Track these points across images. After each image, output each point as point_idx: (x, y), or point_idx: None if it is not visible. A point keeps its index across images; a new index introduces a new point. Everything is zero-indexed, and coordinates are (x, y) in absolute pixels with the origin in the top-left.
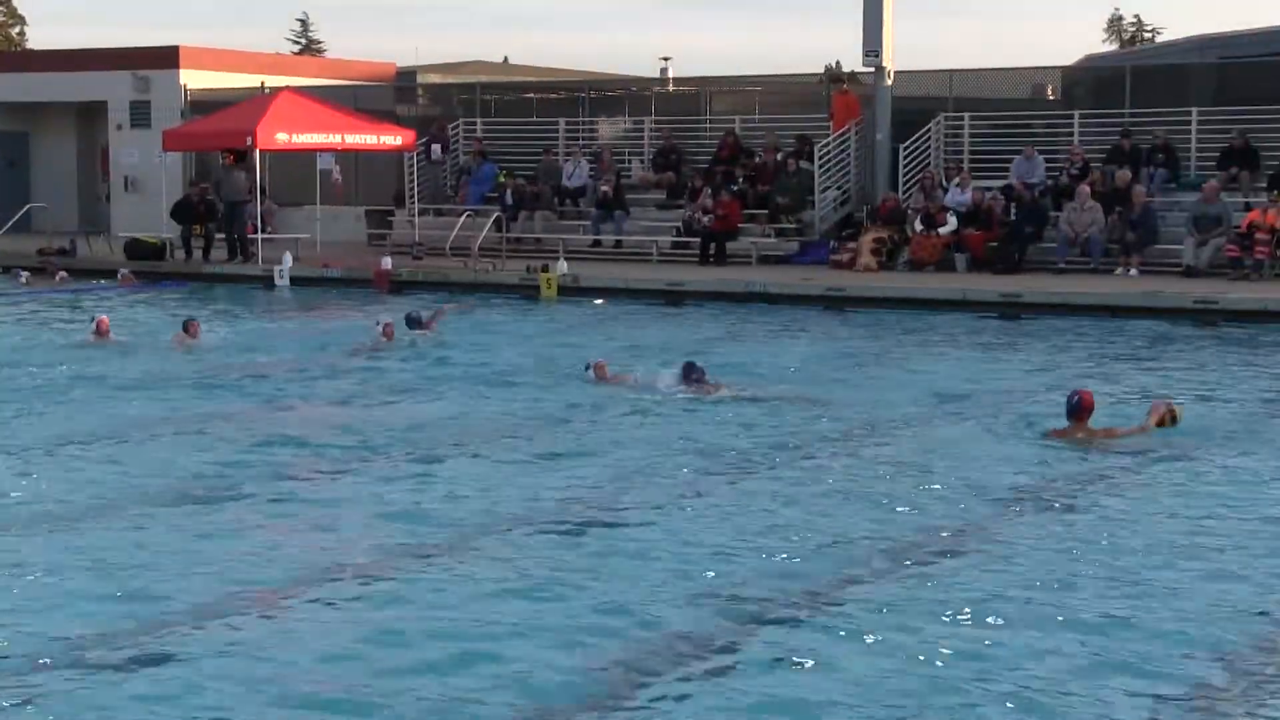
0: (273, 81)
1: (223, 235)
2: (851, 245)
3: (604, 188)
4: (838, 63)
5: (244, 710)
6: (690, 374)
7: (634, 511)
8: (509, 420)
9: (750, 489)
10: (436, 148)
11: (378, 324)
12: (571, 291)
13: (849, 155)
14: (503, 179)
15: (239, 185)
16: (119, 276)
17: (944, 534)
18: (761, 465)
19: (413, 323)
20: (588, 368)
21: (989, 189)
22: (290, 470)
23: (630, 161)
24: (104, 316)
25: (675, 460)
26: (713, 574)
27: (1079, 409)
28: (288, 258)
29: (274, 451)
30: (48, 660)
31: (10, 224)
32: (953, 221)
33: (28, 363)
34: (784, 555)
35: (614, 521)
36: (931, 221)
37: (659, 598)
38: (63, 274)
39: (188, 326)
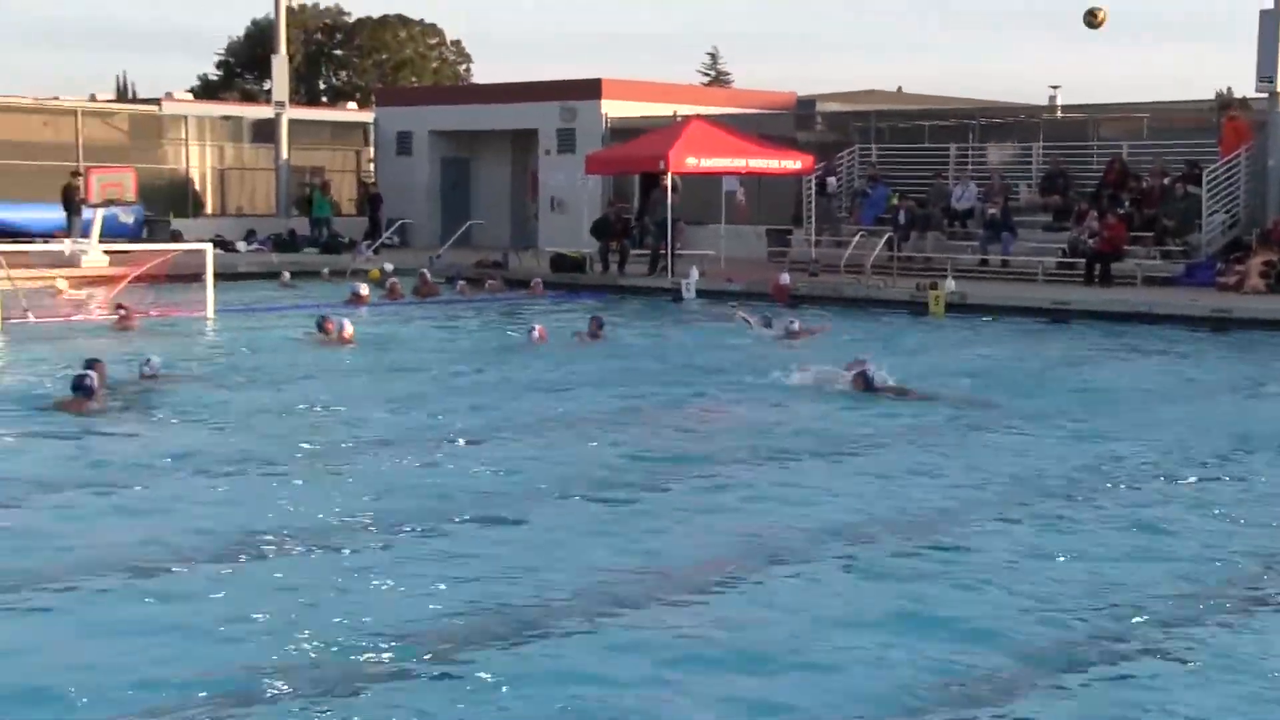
0: (684, 110)
1: (642, 252)
2: (1239, 268)
3: (992, 210)
4: (1229, 88)
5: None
6: (865, 381)
7: (972, 526)
8: (878, 430)
9: (1075, 513)
10: (832, 180)
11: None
12: (959, 308)
13: (1238, 180)
14: (894, 201)
15: (669, 208)
16: (530, 285)
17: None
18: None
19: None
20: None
21: None
22: (680, 467)
23: (1018, 185)
24: (542, 326)
25: (1008, 479)
26: (1044, 596)
27: None
28: (694, 272)
29: (675, 447)
30: (481, 630)
31: (454, 239)
32: None
33: (465, 361)
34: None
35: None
36: None
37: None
38: (492, 282)
39: (592, 324)
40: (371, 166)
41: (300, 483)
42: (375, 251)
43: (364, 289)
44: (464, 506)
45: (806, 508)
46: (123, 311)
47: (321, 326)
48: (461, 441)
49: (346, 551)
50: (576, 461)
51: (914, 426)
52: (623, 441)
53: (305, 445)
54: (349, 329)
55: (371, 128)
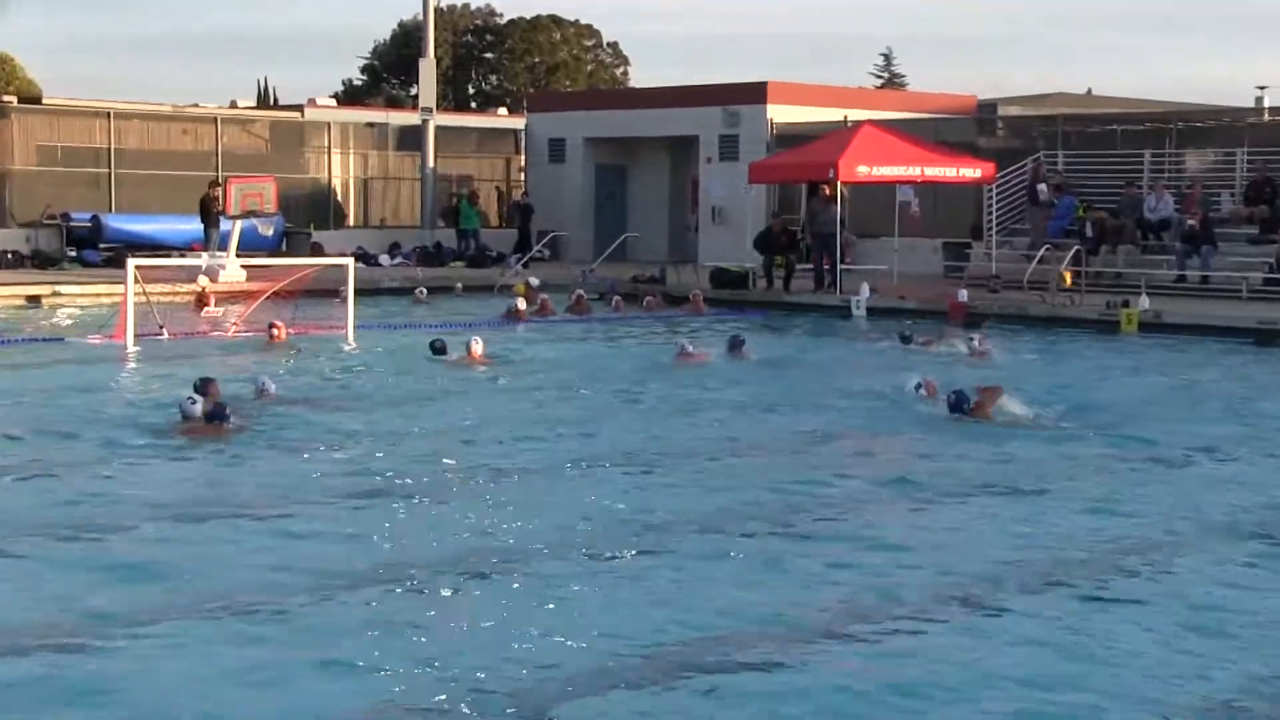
0: (855, 115)
1: (809, 266)
2: None
3: (1190, 221)
4: None
5: None
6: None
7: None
8: (1045, 461)
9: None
10: (1043, 188)
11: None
12: (1153, 328)
13: None
14: (1082, 212)
15: (832, 219)
16: (690, 299)
17: None
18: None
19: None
20: (918, 387)
21: None
22: (827, 503)
23: (1219, 194)
24: (699, 351)
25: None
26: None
27: None
28: (865, 288)
29: (823, 480)
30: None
31: (608, 252)
32: None
33: (613, 380)
34: None
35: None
36: None
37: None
38: (650, 298)
39: (736, 343)
40: (522, 175)
41: (424, 512)
42: (524, 265)
43: (521, 303)
44: (596, 539)
45: (973, 547)
46: (276, 330)
47: (437, 350)
48: (600, 468)
49: (474, 587)
50: (722, 493)
51: (1087, 459)
52: (770, 473)
53: (430, 473)
54: (478, 347)
55: (522, 134)
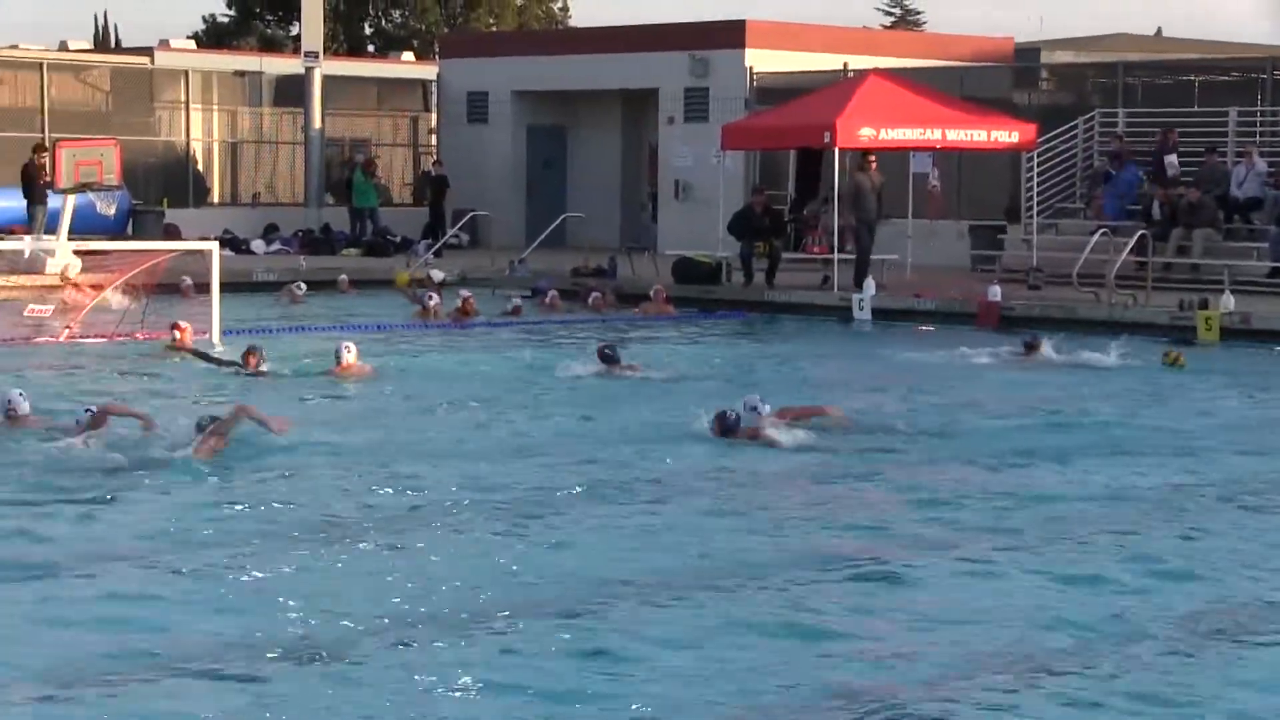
0: (858, 63)
1: (806, 257)
2: None
3: None
4: None
5: None
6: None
7: None
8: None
9: None
10: (1172, 159)
11: None
12: (1239, 334)
13: None
14: (1148, 186)
15: (872, 200)
16: (651, 295)
17: None
18: None
19: None
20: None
21: None
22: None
23: None
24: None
25: None
26: None
27: None
28: (870, 284)
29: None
30: None
31: (543, 237)
32: None
33: (514, 399)
34: None
35: None
36: None
37: None
38: (596, 295)
39: (608, 357)
40: (433, 139)
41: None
42: (436, 254)
43: (433, 299)
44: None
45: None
46: (179, 334)
47: (245, 360)
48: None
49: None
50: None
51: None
52: (653, 528)
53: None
54: (349, 356)
55: (434, 86)
